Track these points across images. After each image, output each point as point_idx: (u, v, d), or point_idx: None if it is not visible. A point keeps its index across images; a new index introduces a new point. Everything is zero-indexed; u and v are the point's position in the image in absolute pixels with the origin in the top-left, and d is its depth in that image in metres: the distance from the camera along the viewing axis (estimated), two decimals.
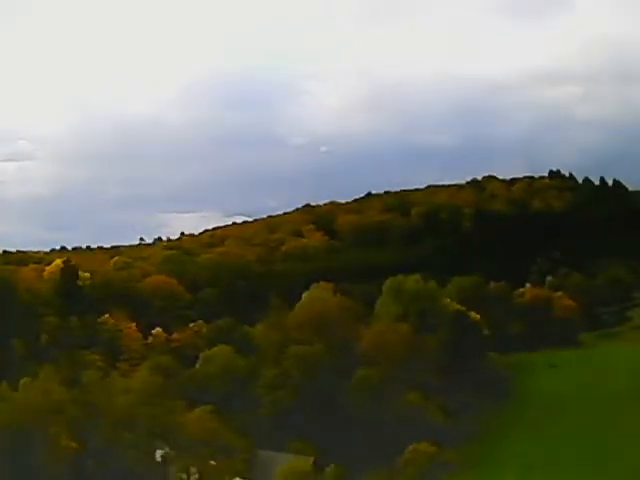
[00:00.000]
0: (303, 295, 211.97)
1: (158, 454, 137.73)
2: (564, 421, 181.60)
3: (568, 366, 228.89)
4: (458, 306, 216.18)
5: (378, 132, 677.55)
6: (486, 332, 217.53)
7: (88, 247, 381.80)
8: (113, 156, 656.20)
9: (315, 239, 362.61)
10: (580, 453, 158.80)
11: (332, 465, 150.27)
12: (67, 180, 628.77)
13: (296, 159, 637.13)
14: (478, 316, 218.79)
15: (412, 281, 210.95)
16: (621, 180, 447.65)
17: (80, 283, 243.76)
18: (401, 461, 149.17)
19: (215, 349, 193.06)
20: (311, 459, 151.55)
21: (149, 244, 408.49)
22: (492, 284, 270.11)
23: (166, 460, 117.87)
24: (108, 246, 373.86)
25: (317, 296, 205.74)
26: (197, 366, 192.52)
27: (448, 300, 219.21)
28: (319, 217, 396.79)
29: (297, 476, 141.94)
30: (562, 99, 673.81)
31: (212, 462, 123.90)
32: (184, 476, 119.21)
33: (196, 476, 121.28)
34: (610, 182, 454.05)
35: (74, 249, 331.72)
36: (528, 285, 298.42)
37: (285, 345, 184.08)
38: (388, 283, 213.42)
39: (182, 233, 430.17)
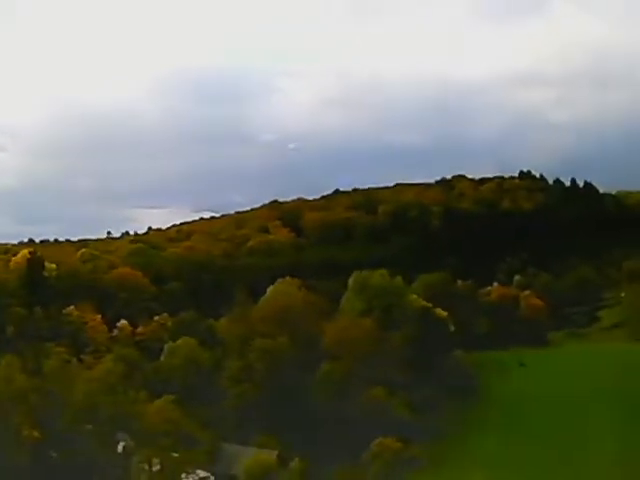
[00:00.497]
0: (268, 290, 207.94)
1: (120, 446, 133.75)
2: (531, 420, 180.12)
3: (536, 365, 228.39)
4: (424, 302, 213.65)
5: (348, 130, 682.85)
6: (452, 329, 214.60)
7: (56, 240, 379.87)
8: (83, 149, 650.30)
9: (281, 235, 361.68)
10: (546, 452, 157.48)
11: (296, 459, 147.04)
12: (37, 173, 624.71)
13: (265, 156, 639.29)
14: (445, 313, 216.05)
15: (378, 276, 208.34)
16: (592, 182, 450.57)
17: (46, 274, 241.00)
18: (366, 456, 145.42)
19: (179, 341, 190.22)
20: (275, 453, 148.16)
21: (116, 238, 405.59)
22: (459, 282, 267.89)
23: (128, 451, 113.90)
24: (76, 239, 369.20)
25: (282, 290, 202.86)
26: (161, 358, 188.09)
27: (414, 296, 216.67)
28: (286, 213, 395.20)
29: (261, 469, 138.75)
30: (536, 102, 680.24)
31: (174, 454, 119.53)
32: (145, 467, 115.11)
33: (158, 467, 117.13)
34: (581, 184, 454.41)
35: (42, 242, 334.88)
36: (495, 284, 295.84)
37: (249, 338, 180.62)
38: (353, 278, 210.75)
39: (149, 228, 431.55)
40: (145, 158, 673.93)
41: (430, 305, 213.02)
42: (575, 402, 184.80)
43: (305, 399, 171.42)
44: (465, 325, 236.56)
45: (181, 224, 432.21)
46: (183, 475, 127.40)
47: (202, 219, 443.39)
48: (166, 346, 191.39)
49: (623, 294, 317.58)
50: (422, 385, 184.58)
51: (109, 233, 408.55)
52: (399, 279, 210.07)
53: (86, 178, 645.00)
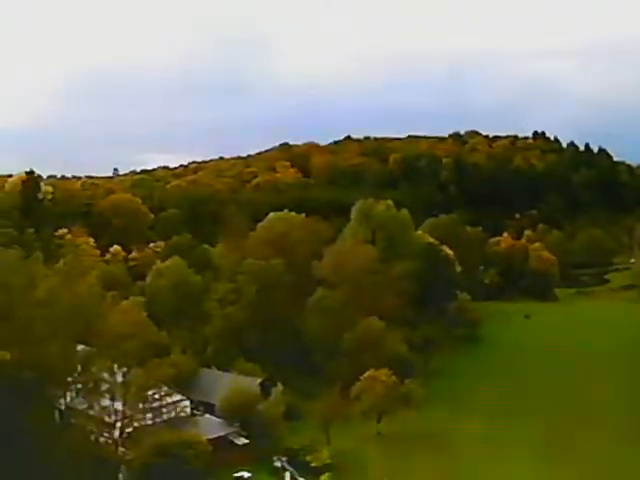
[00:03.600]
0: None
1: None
2: (531, 368, 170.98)
3: (542, 318, 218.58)
4: (431, 239, 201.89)
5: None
6: (459, 270, 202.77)
7: (63, 176, 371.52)
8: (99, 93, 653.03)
9: (289, 175, 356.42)
10: (542, 401, 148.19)
11: (279, 389, 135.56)
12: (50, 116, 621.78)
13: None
14: (452, 252, 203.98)
15: (383, 206, 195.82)
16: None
17: (41, 197, 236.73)
18: (356, 388, 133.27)
19: (168, 262, 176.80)
20: (258, 381, 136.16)
21: (123, 175, 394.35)
22: (468, 228, 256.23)
23: (88, 359, 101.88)
24: (82, 175, 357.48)
25: (281, 217, 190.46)
26: (148, 279, 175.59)
27: (420, 232, 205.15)
28: (295, 156, 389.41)
29: (241, 398, 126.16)
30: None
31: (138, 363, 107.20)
32: (107, 377, 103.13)
33: (120, 378, 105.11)
34: (595, 150, 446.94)
35: (49, 177, 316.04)
36: (505, 234, 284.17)
37: (242, 262, 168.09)
38: (357, 206, 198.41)
39: (158, 166, 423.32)
40: (158, 107, 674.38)
41: (437, 242, 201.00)
42: (578, 354, 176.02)
43: (296, 326, 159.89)
44: (472, 273, 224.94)
45: (189, 163, 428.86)
46: (156, 396, 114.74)
47: (211, 160, 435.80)
48: (153, 267, 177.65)
49: (633, 260, 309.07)
50: (423, 323, 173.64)
51: (115, 170, 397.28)
52: (405, 212, 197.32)
53: (100, 123, 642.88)
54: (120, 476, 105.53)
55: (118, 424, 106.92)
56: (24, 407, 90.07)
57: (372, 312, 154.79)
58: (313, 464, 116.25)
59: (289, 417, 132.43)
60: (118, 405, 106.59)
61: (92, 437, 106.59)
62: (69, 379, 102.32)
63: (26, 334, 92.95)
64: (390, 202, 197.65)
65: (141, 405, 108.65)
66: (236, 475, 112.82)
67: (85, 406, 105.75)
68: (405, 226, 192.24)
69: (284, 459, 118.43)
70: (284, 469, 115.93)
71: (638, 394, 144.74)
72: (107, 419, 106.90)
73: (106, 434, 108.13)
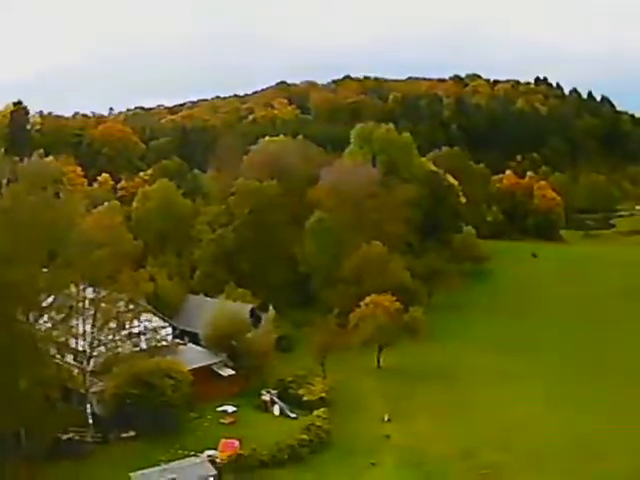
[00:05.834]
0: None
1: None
2: (543, 305, 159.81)
3: (550, 256, 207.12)
4: (434, 167, 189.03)
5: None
6: (464, 201, 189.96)
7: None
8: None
9: (286, 112, 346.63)
10: (547, 333, 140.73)
11: (272, 311, 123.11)
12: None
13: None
14: (456, 182, 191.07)
15: (384, 130, 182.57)
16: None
17: (29, 127, 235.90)
18: (355, 315, 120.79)
19: (155, 185, 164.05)
20: (249, 306, 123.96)
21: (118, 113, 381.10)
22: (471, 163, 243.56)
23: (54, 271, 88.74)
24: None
25: (275, 140, 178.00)
26: (134, 203, 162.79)
27: (424, 159, 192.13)
28: (293, 94, 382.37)
29: (230, 323, 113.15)
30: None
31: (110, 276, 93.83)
32: (73, 289, 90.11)
33: (90, 295, 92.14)
34: (598, 98, 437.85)
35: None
36: (508, 172, 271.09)
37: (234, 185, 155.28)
38: (357, 130, 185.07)
39: (155, 105, 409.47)
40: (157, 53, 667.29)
41: (441, 171, 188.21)
42: (590, 293, 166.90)
43: (291, 253, 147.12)
44: (476, 208, 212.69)
45: (185, 103, 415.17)
46: (132, 319, 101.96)
47: (207, 100, 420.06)
48: (140, 190, 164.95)
49: (638, 207, 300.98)
50: (428, 252, 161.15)
51: (111, 109, 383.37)
52: (408, 136, 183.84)
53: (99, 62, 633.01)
54: (87, 408, 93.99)
55: (87, 349, 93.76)
56: None
57: (373, 238, 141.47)
58: (306, 398, 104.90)
59: (281, 348, 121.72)
60: (87, 327, 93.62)
61: (58, 364, 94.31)
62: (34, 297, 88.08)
63: None
64: (391, 126, 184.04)
65: (113, 325, 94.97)
66: (219, 409, 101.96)
67: (51, 328, 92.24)
68: (408, 151, 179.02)
69: (273, 392, 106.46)
70: (273, 403, 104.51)
71: None
72: (74, 343, 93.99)
73: (74, 361, 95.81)
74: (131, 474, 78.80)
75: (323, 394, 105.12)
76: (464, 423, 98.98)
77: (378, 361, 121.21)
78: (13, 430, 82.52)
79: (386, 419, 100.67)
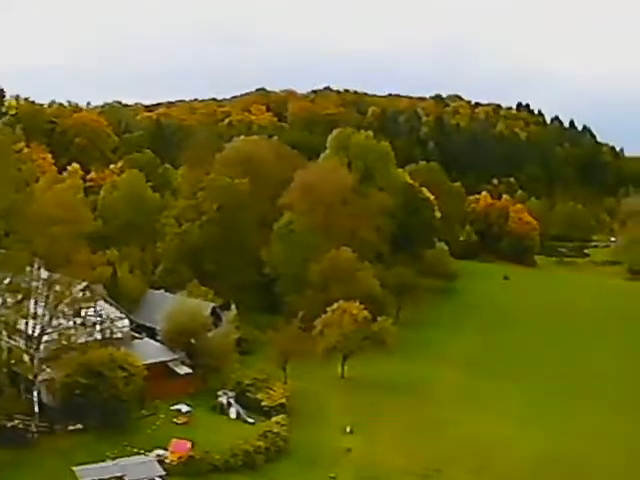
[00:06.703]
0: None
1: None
2: (510, 326, 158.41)
3: (522, 281, 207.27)
4: (410, 180, 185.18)
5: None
6: (439, 216, 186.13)
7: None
8: None
9: (263, 118, 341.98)
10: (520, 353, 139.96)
11: (233, 310, 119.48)
12: None
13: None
14: (432, 196, 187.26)
15: (362, 136, 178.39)
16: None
17: (4, 110, 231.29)
18: (321, 321, 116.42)
19: (123, 175, 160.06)
20: (210, 305, 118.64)
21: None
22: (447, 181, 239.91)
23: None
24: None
25: (250, 140, 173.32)
26: (101, 192, 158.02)
27: (400, 170, 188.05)
28: (272, 101, 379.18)
29: (189, 320, 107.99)
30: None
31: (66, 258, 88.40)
32: (27, 269, 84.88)
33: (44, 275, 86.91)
34: (580, 127, 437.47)
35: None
36: (484, 193, 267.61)
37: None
38: (334, 134, 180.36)
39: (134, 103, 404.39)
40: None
41: (417, 184, 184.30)
42: (561, 316, 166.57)
43: (258, 256, 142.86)
44: (450, 226, 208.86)
45: (163, 102, 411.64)
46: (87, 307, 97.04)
47: (184, 101, 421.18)
48: (108, 180, 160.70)
49: (613, 239, 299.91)
50: (398, 263, 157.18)
51: (88, 104, 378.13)
52: (386, 144, 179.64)
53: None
54: (34, 396, 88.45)
55: (37, 334, 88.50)
56: None
57: (343, 244, 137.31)
58: (264, 403, 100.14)
59: (241, 350, 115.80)
60: (39, 309, 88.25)
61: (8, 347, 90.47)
62: None
63: None
64: (370, 133, 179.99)
65: (67, 310, 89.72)
66: (173, 408, 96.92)
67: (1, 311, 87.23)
68: (385, 159, 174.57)
69: (231, 394, 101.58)
70: (229, 405, 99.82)
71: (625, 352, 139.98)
72: (23, 326, 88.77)
73: (23, 346, 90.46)
74: (74, 468, 74.14)
75: (283, 400, 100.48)
76: (429, 440, 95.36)
77: (342, 371, 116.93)
78: None
79: (348, 431, 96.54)
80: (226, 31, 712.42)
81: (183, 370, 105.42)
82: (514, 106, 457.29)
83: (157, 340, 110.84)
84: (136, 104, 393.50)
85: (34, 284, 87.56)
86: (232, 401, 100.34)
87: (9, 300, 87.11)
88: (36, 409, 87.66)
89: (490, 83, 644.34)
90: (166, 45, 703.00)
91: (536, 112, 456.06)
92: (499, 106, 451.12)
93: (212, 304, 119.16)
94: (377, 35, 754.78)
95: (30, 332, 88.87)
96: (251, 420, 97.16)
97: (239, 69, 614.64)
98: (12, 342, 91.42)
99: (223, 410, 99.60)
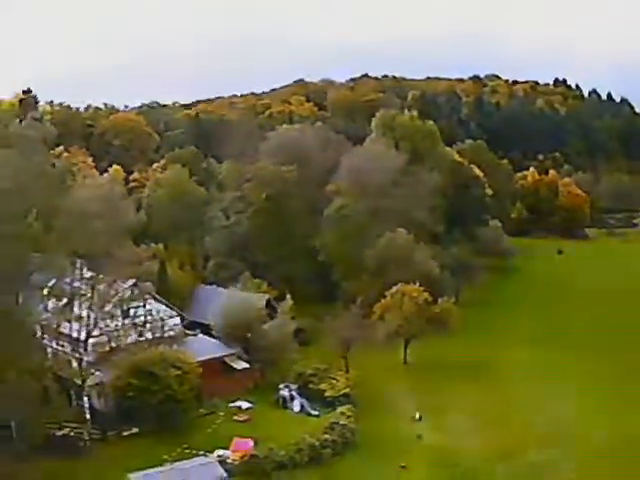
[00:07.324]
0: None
1: None
2: (571, 302, 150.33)
3: (576, 254, 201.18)
4: (460, 158, 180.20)
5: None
6: (490, 193, 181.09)
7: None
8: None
9: (303, 109, 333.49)
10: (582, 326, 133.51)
11: (289, 300, 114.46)
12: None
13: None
14: (482, 173, 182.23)
15: (407, 117, 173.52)
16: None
17: (38, 116, 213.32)
18: (381, 306, 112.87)
19: (167, 171, 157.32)
20: (265, 297, 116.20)
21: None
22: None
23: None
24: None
25: (295, 127, 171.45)
26: (145, 190, 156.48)
27: (449, 149, 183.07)
28: (311, 91, 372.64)
29: (245, 313, 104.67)
30: None
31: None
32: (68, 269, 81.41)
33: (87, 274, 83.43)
34: (618, 99, 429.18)
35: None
36: (532, 169, 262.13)
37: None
38: (379, 117, 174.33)
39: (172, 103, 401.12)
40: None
41: (466, 162, 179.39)
42: (617, 291, 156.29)
43: (310, 244, 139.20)
44: (501, 203, 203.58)
45: (201, 100, 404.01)
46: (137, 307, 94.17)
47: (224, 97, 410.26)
48: (151, 177, 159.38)
49: None
50: (453, 242, 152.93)
51: (126, 107, 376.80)
52: (432, 124, 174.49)
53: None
54: (85, 402, 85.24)
55: (83, 337, 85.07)
56: None
57: (397, 226, 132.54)
58: (328, 394, 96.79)
59: (300, 341, 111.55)
60: (84, 311, 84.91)
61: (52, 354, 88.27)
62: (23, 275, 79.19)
63: None
64: (415, 113, 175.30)
65: (113, 310, 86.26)
66: (232, 405, 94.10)
67: (45, 315, 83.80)
68: (432, 138, 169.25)
69: (293, 387, 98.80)
70: (292, 398, 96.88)
71: None
72: (68, 330, 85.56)
73: (70, 351, 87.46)
74: (130, 475, 70.19)
75: (347, 389, 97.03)
76: (501, 420, 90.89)
77: (405, 356, 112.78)
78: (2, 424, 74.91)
79: (417, 417, 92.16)
80: (254, 32, 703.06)
81: (240, 365, 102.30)
82: (551, 82, 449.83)
83: (212, 336, 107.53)
84: (174, 103, 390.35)
85: (76, 284, 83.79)
86: (294, 394, 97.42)
87: (53, 304, 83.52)
88: (87, 415, 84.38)
89: (525, 63, 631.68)
90: (198, 49, 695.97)
91: (573, 86, 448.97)
92: (537, 83, 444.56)
93: (266, 296, 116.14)
94: (405, 23, 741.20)
95: (76, 335, 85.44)
96: (315, 412, 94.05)
97: (274, 67, 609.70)
98: (58, 347, 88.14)
99: (285, 404, 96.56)
